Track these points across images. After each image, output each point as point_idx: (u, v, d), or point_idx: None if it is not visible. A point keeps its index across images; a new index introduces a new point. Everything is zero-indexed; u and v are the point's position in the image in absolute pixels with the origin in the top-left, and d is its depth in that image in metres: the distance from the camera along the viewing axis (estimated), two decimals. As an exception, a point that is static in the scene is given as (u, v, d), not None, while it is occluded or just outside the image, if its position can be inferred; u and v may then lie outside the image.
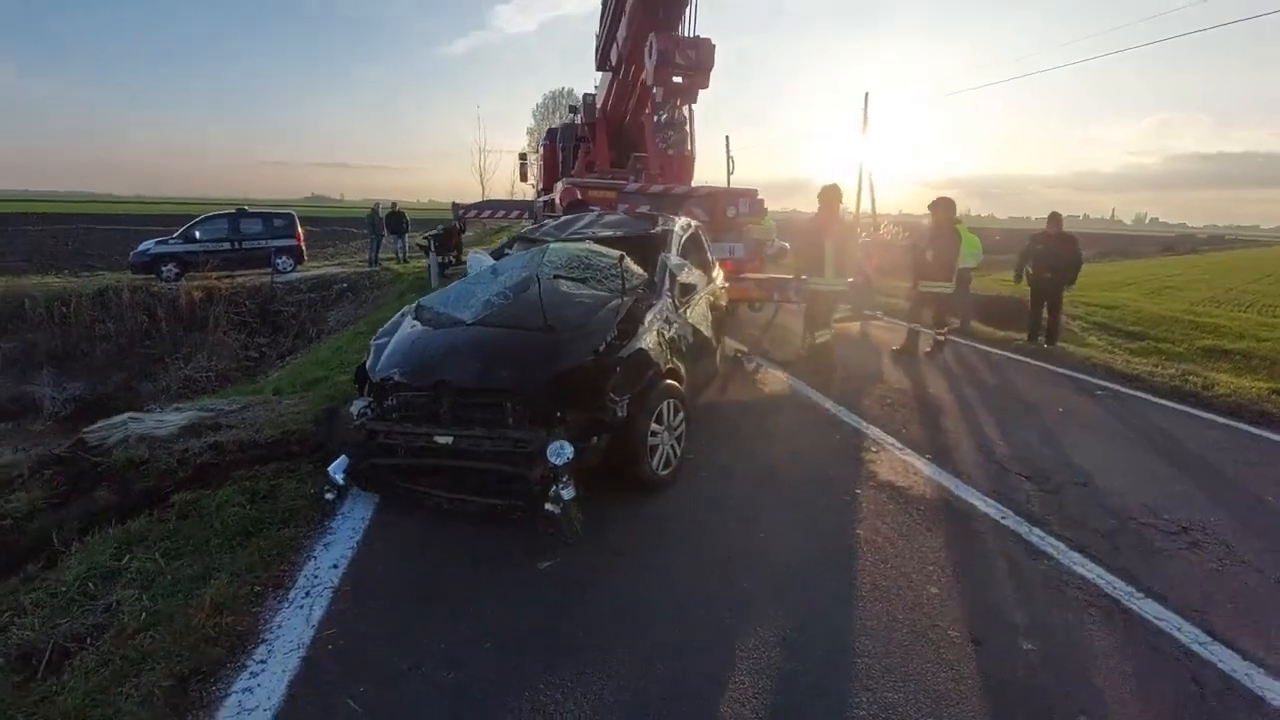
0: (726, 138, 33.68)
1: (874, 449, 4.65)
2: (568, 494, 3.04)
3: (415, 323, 3.76)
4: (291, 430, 4.11)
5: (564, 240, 4.97)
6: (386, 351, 3.59)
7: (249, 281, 15.36)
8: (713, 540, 3.29)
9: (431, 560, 3.05)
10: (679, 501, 3.68)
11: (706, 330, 4.52)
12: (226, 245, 16.92)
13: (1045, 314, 8.63)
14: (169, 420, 4.41)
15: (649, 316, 3.80)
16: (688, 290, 4.33)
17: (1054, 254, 8.44)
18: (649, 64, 8.53)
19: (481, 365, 3.25)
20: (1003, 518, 3.62)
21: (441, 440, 3.19)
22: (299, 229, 18.00)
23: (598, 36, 10.72)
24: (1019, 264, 8.94)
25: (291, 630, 2.51)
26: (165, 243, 16.54)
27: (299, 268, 17.73)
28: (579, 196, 7.56)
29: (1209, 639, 2.65)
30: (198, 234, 16.92)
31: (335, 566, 2.94)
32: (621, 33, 9.60)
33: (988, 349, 8.48)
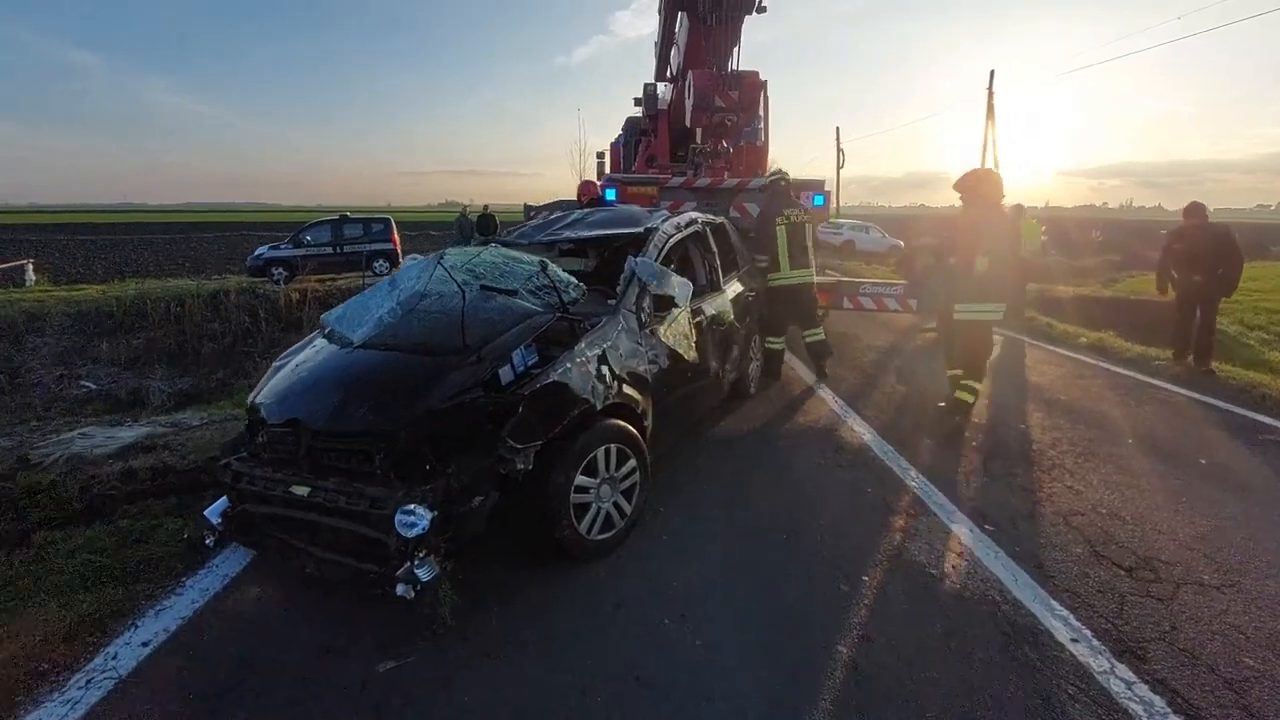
0: (837, 129, 31.57)
1: (914, 511, 3.55)
2: (425, 574, 2.33)
3: (323, 341, 3.21)
4: (216, 458, 3.71)
5: (521, 243, 4.28)
6: (277, 376, 3.06)
7: (344, 284, 16.01)
8: (626, 644, 2.44)
9: (267, 643, 2.44)
10: (609, 579, 2.85)
11: (689, 352, 3.63)
12: (329, 250, 17.86)
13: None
14: (119, 437, 4.19)
15: (587, 338, 3.00)
16: (664, 303, 3.48)
17: (1197, 253, 6.62)
18: (687, 104, 7.83)
19: (339, 401, 2.60)
20: (1073, 640, 2.48)
21: (298, 491, 2.58)
22: (395, 233, 18.69)
23: (656, 45, 9.99)
24: (1161, 269, 7.07)
25: (26, 741, 1.98)
26: (277, 248, 17.71)
27: (393, 270, 18.39)
28: (598, 193, 6.83)
29: None
30: (307, 238, 18.01)
31: (146, 644, 2.41)
32: (680, 41, 8.90)
33: (1117, 370, 6.82)
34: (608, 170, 13.84)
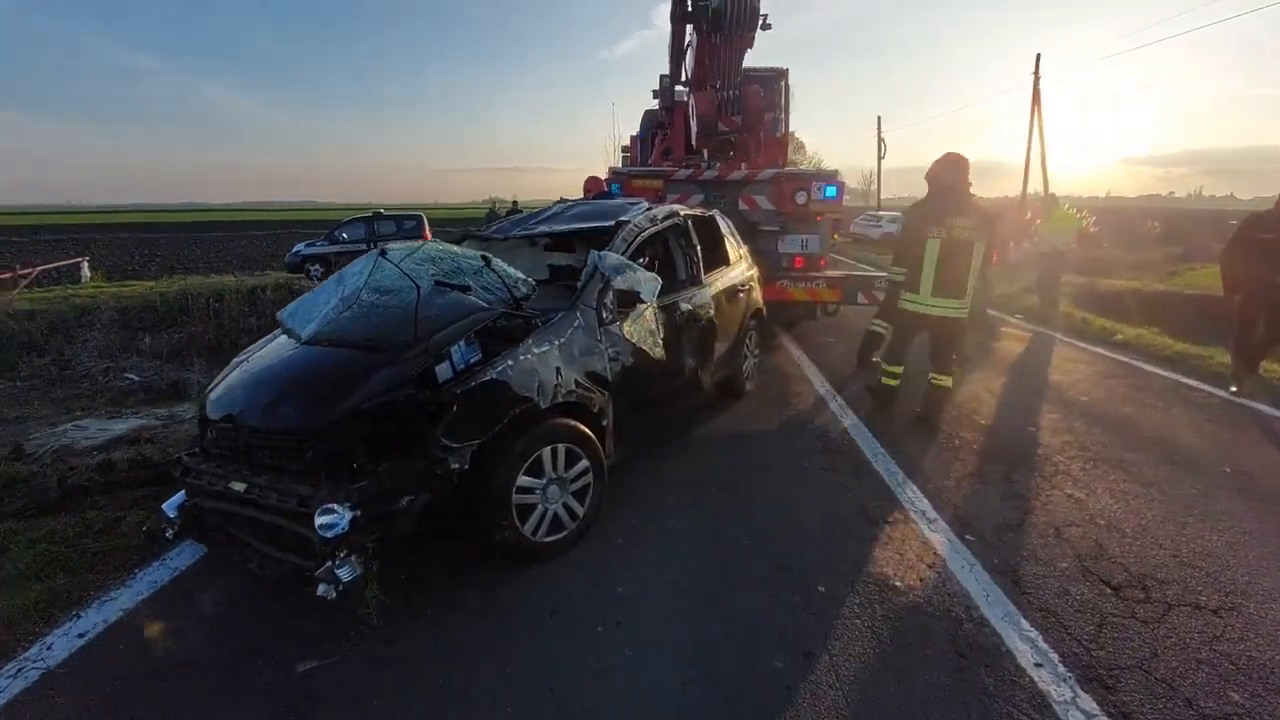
0: (878, 119, 30.68)
1: (893, 518, 3.36)
2: (345, 574, 2.28)
3: (284, 338, 3.20)
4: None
5: (498, 237, 4.21)
6: (234, 372, 3.06)
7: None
8: (552, 652, 2.35)
9: (200, 638, 2.44)
10: (553, 583, 2.76)
11: (656, 350, 3.50)
12: (364, 246, 18.24)
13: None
14: (111, 429, 4.32)
15: (536, 335, 2.92)
16: (630, 298, 3.37)
17: None
18: (691, 125, 7.90)
19: (273, 398, 2.58)
20: (1037, 664, 2.28)
21: (236, 487, 2.58)
22: (427, 230, 18.99)
23: (669, 48, 9.78)
24: (1228, 259, 5.79)
25: (-60, 731, 2.02)
26: (313, 245, 18.23)
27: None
28: (605, 188, 6.73)
29: None
30: (344, 235, 18.47)
31: (83, 635, 2.43)
32: (691, 48, 8.78)
33: (1152, 369, 6.39)
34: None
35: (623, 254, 3.56)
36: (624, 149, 14.90)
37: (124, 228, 53.63)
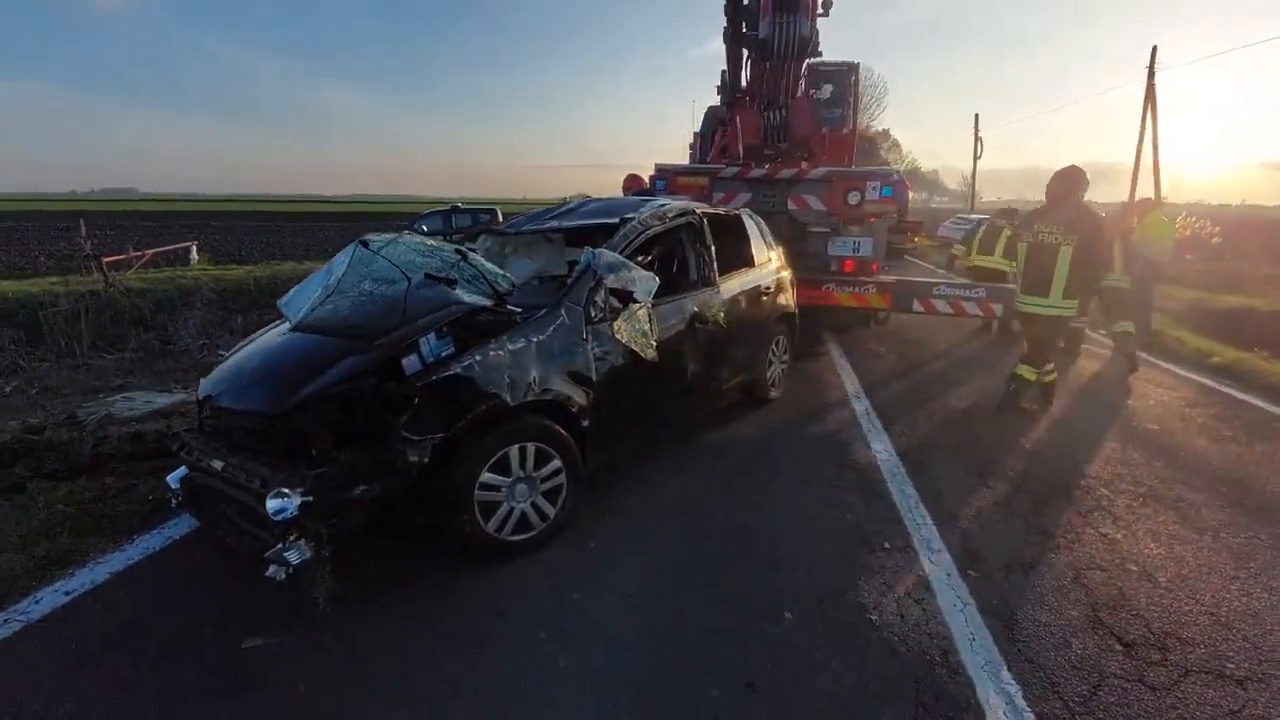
0: (975, 116, 29.05)
1: (892, 544, 3.12)
2: (294, 557, 2.33)
3: (285, 324, 3.33)
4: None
5: (509, 232, 4.21)
6: (235, 355, 3.21)
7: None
8: (486, 655, 2.31)
9: (165, 606, 2.56)
10: (512, 584, 2.72)
11: (648, 351, 3.39)
12: (441, 237, 18.99)
13: None
14: (154, 402, 4.64)
15: (512, 331, 2.88)
16: (622, 298, 3.28)
17: None
18: (739, 143, 8.01)
19: (248, 381, 2.69)
20: (1008, 724, 2.04)
21: (215, 464, 2.69)
22: (500, 222, 19.56)
23: (726, 58, 9.55)
24: None
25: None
26: (393, 235, 19.16)
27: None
28: (646, 185, 6.64)
29: None
30: (424, 227, 19.29)
31: (69, 594, 2.61)
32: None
33: (1244, 397, 5.69)
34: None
35: (621, 251, 3.48)
36: (691, 146, 14.77)
37: (238, 215, 58.09)
